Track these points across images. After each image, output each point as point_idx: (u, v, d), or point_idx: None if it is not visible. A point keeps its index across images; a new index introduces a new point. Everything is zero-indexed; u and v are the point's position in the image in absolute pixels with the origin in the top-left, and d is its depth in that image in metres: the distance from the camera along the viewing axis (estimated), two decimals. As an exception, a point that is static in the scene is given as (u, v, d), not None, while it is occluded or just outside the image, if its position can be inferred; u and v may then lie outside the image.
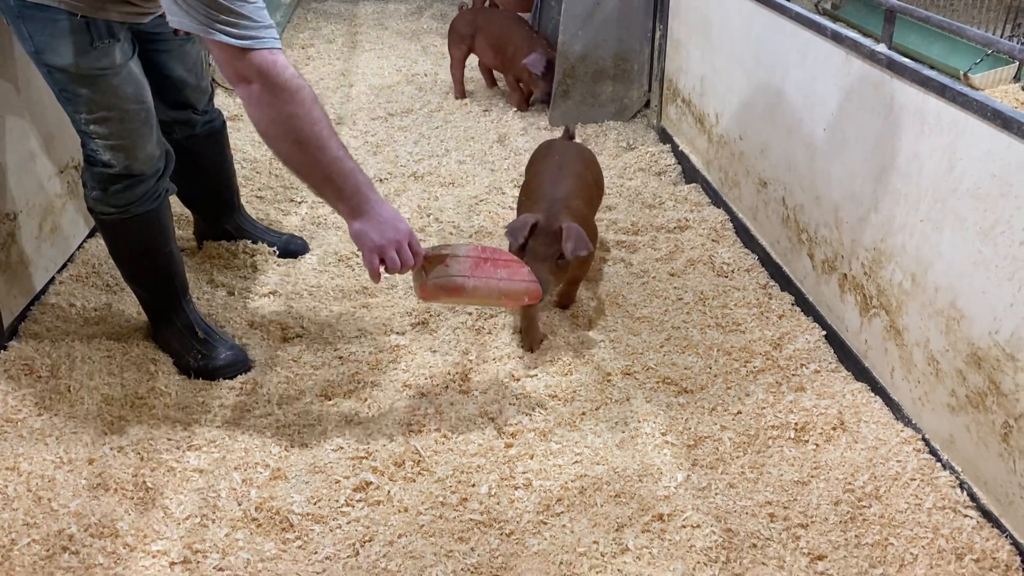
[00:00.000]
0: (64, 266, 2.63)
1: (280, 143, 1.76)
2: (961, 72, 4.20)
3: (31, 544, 1.71)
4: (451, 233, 3.07)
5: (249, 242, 2.85)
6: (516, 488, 1.94)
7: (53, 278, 2.56)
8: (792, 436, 2.08)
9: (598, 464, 2.00)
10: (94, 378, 2.19)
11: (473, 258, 2.02)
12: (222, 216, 2.82)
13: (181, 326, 2.29)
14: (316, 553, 1.76)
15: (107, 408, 2.12)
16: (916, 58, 4.29)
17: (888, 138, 2.12)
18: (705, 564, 1.74)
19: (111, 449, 1.99)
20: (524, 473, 1.98)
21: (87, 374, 2.19)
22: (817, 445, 2.05)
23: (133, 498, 1.88)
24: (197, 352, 2.27)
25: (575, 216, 2.37)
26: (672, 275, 2.79)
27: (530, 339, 2.43)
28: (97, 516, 1.79)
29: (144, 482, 1.92)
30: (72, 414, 2.08)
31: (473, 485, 1.94)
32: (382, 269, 1.89)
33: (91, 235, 2.82)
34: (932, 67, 3.33)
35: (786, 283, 2.66)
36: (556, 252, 2.26)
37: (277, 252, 2.86)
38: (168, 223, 2.23)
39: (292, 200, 3.34)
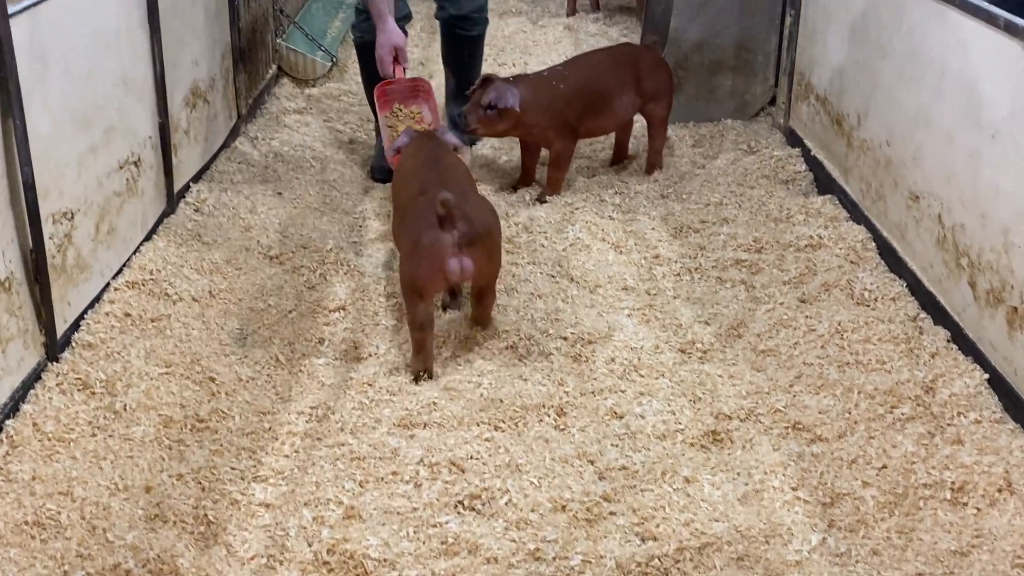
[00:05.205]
0: (120, 271, 2.74)
1: None
2: None
3: (84, 578, 1.79)
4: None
5: None
6: (622, 544, 1.94)
7: (108, 284, 2.67)
8: (948, 497, 2.03)
9: (716, 521, 1.99)
10: (152, 397, 2.28)
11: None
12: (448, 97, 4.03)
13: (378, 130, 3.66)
14: (394, 606, 1.80)
15: (165, 431, 2.20)
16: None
17: (1074, 148, 2.07)
18: (844, 644, 1.71)
19: (170, 477, 2.07)
20: (628, 528, 1.98)
21: (144, 392, 2.28)
22: (979, 509, 2.00)
23: (194, 532, 1.95)
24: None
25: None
26: (803, 302, 2.76)
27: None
28: (156, 550, 1.86)
29: (206, 515, 1.99)
30: (128, 435, 2.17)
31: (574, 538, 1.94)
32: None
33: (147, 239, 2.94)
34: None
35: (941, 316, 2.60)
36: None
37: None
38: None
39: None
